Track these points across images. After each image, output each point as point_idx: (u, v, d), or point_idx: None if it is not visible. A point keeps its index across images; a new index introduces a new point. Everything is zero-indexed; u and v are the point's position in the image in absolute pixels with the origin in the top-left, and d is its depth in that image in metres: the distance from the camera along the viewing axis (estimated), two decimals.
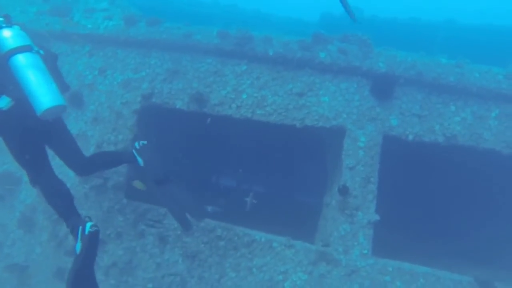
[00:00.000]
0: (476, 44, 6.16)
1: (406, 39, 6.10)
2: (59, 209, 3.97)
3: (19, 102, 3.62)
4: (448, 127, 4.93)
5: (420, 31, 6.61)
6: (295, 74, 5.15)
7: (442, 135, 4.92)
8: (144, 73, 5.48)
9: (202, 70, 5.32)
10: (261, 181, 8.43)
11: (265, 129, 5.38)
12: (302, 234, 5.37)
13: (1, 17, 3.89)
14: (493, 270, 5.25)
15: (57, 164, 4.35)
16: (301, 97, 5.10)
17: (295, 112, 5.07)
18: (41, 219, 5.33)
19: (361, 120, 5.01)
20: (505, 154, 4.82)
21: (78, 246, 3.56)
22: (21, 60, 3.62)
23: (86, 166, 4.43)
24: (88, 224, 3.60)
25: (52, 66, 3.90)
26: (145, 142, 4.55)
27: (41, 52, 3.85)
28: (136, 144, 4.54)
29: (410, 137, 4.96)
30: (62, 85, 3.94)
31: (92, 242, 3.56)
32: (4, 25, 3.78)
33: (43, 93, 3.57)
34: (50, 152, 4.19)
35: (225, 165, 8.11)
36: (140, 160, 4.48)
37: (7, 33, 3.70)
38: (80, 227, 3.61)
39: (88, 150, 5.43)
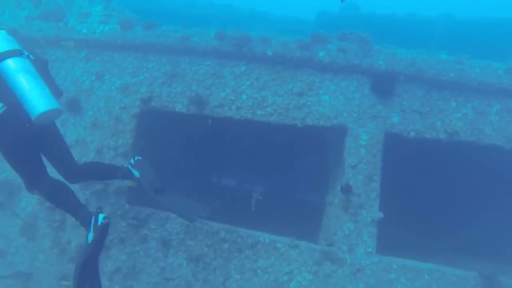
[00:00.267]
0: (475, 38, 6.15)
1: (403, 35, 6.10)
2: (64, 206, 4.02)
3: (11, 107, 3.55)
4: (449, 123, 4.92)
5: (418, 26, 6.60)
6: (295, 74, 5.13)
7: (443, 131, 4.92)
8: (142, 77, 5.43)
9: (200, 73, 5.28)
10: (262, 181, 8.42)
11: (265, 128, 5.36)
12: (304, 232, 5.37)
13: None
14: (496, 264, 5.27)
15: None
16: (301, 97, 5.08)
17: (295, 111, 5.05)
18: (43, 227, 5.29)
19: (362, 118, 4.99)
20: (507, 149, 4.82)
21: (90, 236, 3.67)
22: (12, 64, 3.56)
23: (78, 173, 4.38)
24: (101, 216, 3.73)
25: (43, 71, 3.85)
26: (140, 158, 4.59)
27: (31, 57, 3.80)
28: (132, 160, 4.58)
29: (412, 134, 4.95)
30: (55, 90, 3.89)
31: (104, 233, 3.70)
32: None
33: (36, 97, 3.51)
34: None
35: (226, 165, 8.10)
36: (136, 172, 4.46)
37: None
38: (93, 218, 3.73)
39: (88, 156, 5.41)
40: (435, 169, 6.01)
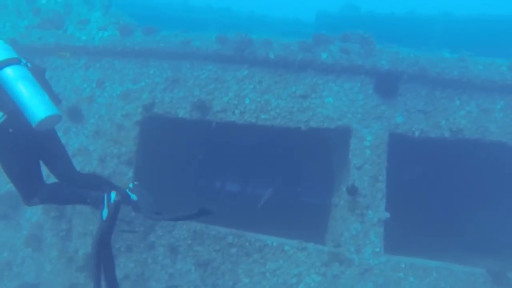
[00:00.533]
0: (475, 35, 6.14)
1: (403, 34, 6.09)
2: (71, 199, 4.14)
3: (11, 115, 3.56)
4: (453, 122, 4.93)
5: (417, 25, 6.58)
6: (298, 76, 5.11)
7: (448, 129, 4.92)
8: (144, 83, 5.40)
9: (202, 77, 5.26)
10: (265, 184, 8.42)
11: (267, 132, 5.35)
12: (310, 235, 5.39)
13: None
14: (504, 260, 5.30)
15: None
16: (305, 99, 5.07)
17: (299, 114, 5.04)
18: (49, 236, 5.27)
19: (366, 119, 4.99)
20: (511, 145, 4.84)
21: (105, 213, 3.84)
22: (10, 73, 3.57)
23: (77, 181, 4.35)
24: (113, 193, 3.92)
25: (41, 79, 3.84)
26: (137, 182, 4.60)
27: (29, 65, 3.81)
28: (131, 184, 4.61)
29: (416, 134, 4.96)
30: (54, 98, 3.87)
31: (117, 210, 3.88)
32: None
33: (36, 104, 3.52)
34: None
35: (229, 170, 8.09)
36: (133, 196, 4.46)
37: None
38: (106, 196, 3.91)
39: (91, 164, 5.39)
40: (440, 167, 6.02)
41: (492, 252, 5.47)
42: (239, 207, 7.44)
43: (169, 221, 4.72)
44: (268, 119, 5.07)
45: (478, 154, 5.25)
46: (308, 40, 5.06)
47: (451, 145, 4.98)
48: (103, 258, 3.81)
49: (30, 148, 3.85)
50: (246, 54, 5.10)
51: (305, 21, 7.12)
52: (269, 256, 4.96)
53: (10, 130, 3.61)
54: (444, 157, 5.63)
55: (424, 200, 6.35)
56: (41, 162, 4.15)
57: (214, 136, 5.82)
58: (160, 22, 5.75)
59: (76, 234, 5.26)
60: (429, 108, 4.98)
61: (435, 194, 6.43)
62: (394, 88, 4.96)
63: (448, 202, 6.41)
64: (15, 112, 3.53)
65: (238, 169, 8.08)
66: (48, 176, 4.42)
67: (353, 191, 4.85)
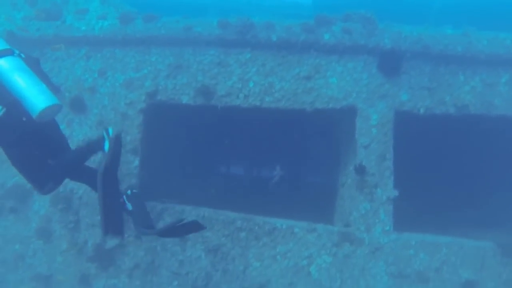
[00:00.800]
0: (474, 9, 6.07)
1: (401, 11, 5.99)
2: (82, 159, 4.18)
3: (11, 107, 3.50)
4: (458, 97, 4.94)
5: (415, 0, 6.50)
6: (301, 58, 5.08)
7: (453, 105, 4.93)
8: (146, 71, 5.36)
9: (205, 63, 5.22)
10: (270, 166, 8.44)
11: (271, 114, 5.34)
12: (316, 214, 5.42)
13: None
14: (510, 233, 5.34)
15: None
16: (309, 81, 5.05)
17: (304, 96, 5.03)
18: (58, 228, 5.26)
19: (371, 98, 4.98)
20: None
21: (106, 145, 3.97)
22: (4, 64, 3.52)
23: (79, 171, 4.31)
24: (110, 129, 4.10)
25: (36, 69, 3.79)
26: (136, 191, 4.52)
27: (22, 55, 3.75)
28: (129, 191, 4.45)
29: (422, 111, 4.96)
30: (52, 87, 3.82)
31: (118, 142, 3.99)
32: None
33: (35, 95, 3.47)
34: None
35: (233, 153, 8.10)
36: (129, 205, 4.32)
37: None
38: (104, 132, 4.07)
39: (97, 154, 5.35)
40: (446, 142, 6.02)
41: (500, 225, 5.51)
42: (245, 190, 7.47)
43: (160, 236, 4.53)
44: (273, 101, 5.05)
45: (484, 128, 5.25)
46: (310, 22, 5.04)
47: (456, 121, 4.99)
48: (109, 195, 3.88)
49: (33, 139, 3.80)
50: (248, 38, 5.07)
51: (303, 3, 7.05)
52: (279, 239, 4.97)
53: (11, 123, 3.56)
54: (450, 133, 5.64)
55: (431, 177, 6.36)
56: None
57: (218, 120, 5.80)
58: (158, 8, 5.68)
59: (84, 225, 5.26)
60: (433, 84, 4.98)
61: (442, 171, 6.46)
62: (398, 66, 4.96)
63: (454, 178, 6.43)
64: (14, 104, 3.49)
65: (243, 152, 8.08)
66: None
67: (361, 170, 4.86)
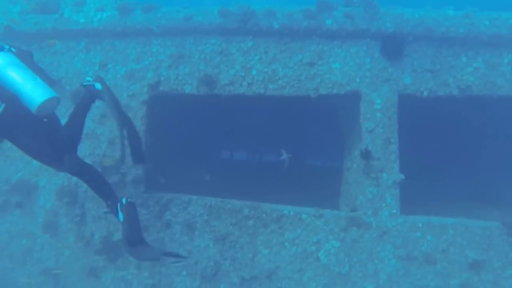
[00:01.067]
0: None
1: None
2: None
3: (10, 103, 3.48)
4: (461, 79, 4.94)
5: None
6: (303, 44, 5.07)
7: (456, 87, 4.94)
8: (147, 62, 5.33)
9: (207, 52, 5.20)
10: (271, 150, 8.46)
11: (276, 101, 5.33)
12: (318, 197, 5.44)
13: None
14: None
15: None
16: (312, 67, 5.04)
17: (308, 82, 5.02)
18: (64, 222, 5.25)
19: (375, 83, 4.98)
20: None
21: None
22: None
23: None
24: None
25: (29, 62, 3.76)
26: (133, 201, 4.32)
27: (13, 49, 3.71)
28: (124, 199, 4.24)
29: (425, 93, 4.96)
30: (47, 80, 3.78)
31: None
32: None
33: (31, 89, 3.45)
34: None
35: (236, 139, 8.11)
36: (120, 216, 4.16)
37: None
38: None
39: (101, 148, 5.35)
40: (449, 121, 6.03)
41: (505, 204, 5.56)
42: (248, 175, 7.48)
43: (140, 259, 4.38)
44: (277, 89, 5.04)
45: (488, 109, 5.27)
46: (311, 7, 5.01)
47: (460, 102, 5.00)
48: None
49: (37, 129, 3.74)
50: (250, 26, 5.05)
51: None
52: (287, 225, 4.98)
53: (12, 118, 3.54)
54: (453, 114, 5.65)
55: (435, 157, 6.40)
56: None
57: (221, 107, 5.77)
58: None
59: (90, 218, 5.25)
60: (436, 67, 4.98)
61: (446, 151, 6.49)
62: (400, 49, 4.95)
63: (459, 157, 6.47)
64: (13, 100, 3.46)
65: (245, 137, 8.09)
66: None
67: (367, 155, 4.87)
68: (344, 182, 5.49)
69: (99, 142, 5.37)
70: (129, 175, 5.24)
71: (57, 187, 5.32)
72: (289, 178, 6.84)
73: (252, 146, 8.58)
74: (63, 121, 4.12)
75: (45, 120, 3.74)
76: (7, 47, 3.67)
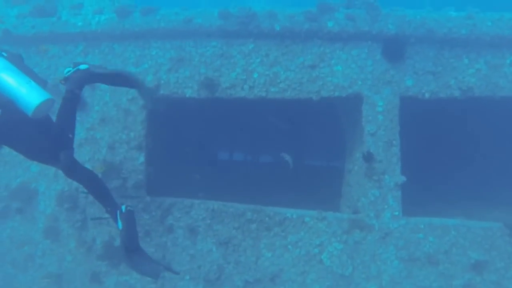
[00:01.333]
0: None
1: None
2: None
3: (5, 108, 3.46)
4: (463, 80, 4.94)
5: None
6: (305, 47, 5.03)
7: (458, 89, 4.93)
8: (147, 65, 5.27)
9: (207, 55, 5.15)
10: (269, 150, 8.46)
11: (277, 104, 5.30)
12: (317, 196, 5.45)
13: None
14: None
15: None
16: (314, 69, 5.01)
17: (310, 85, 4.99)
18: (66, 227, 5.23)
19: (376, 85, 4.97)
20: None
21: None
22: None
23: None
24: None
25: (21, 66, 3.74)
26: (132, 209, 4.27)
27: (4, 54, 3.70)
28: (123, 207, 4.18)
29: (427, 95, 4.96)
30: (40, 82, 3.77)
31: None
32: None
33: (26, 93, 3.44)
34: None
35: (234, 140, 8.11)
36: (120, 224, 4.10)
37: None
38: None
39: (101, 152, 5.31)
40: (450, 121, 6.04)
41: (505, 204, 5.59)
42: (246, 176, 7.47)
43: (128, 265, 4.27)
44: (278, 92, 5.01)
45: (490, 110, 5.27)
46: (313, 9, 4.97)
47: (462, 104, 5.00)
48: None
49: (33, 133, 3.72)
50: (251, 28, 4.99)
51: None
52: (290, 228, 4.99)
53: (9, 123, 3.53)
54: (455, 116, 5.66)
55: (439, 158, 6.43)
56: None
57: (222, 111, 5.74)
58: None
59: (91, 223, 5.22)
60: (438, 68, 4.97)
61: (447, 153, 6.52)
62: (402, 51, 4.94)
63: (462, 158, 6.50)
64: (8, 104, 3.44)
65: (243, 138, 8.09)
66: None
67: (369, 157, 4.87)
68: (346, 184, 5.50)
69: (98, 147, 5.32)
70: (130, 180, 5.21)
71: (57, 192, 5.29)
72: (287, 178, 6.86)
73: (249, 146, 8.56)
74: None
75: (39, 121, 3.68)
76: None
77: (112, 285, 5.13)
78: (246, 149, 8.64)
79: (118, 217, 4.12)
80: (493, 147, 6.31)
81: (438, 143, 6.47)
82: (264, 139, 8.20)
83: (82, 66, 3.96)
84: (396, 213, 4.89)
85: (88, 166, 4.68)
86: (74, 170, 3.96)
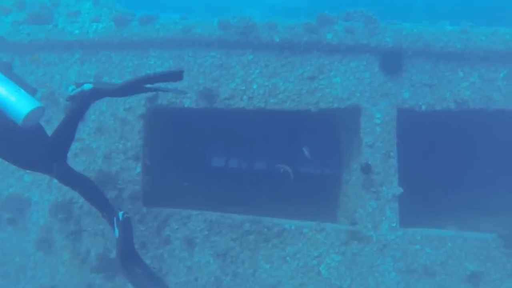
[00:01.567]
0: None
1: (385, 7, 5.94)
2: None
3: None
4: (458, 93, 5.03)
5: None
6: (304, 58, 5.07)
7: (453, 101, 5.03)
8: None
9: (206, 65, 5.14)
10: (263, 158, 8.46)
11: (276, 115, 5.32)
12: (314, 207, 5.47)
13: None
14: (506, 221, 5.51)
15: None
16: (312, 81, 5.05)
17: (308, 96, 5.03)
18: (59, 239, 5.11)
19: (374, 97, 5.03)
20: None
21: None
22: None
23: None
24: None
25: (9, 74, 3.68)
26: (127, 215, 4.13)
27: None
28: (120, 214, 4.06)
29: (423, 108, 5.04)
30: (29, 90, 3.69)
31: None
32: None
33: (16, 101, 3.38)
34: None
35: (228, 148, 8.10)
36: (116, 231, 4.01)
37: None
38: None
39: (96, 163, 5.22)
40: (446, 132, 6.14)
41: (499, 214, 5.68)
42: (242, 183, 7.45)
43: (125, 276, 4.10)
44: (277, 103, 5.03)
45: (483, 123, 5.38)
46: (312, 21, 5.02)
47: (457, 116, 5.09)
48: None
49: (22, 142, 3.67)
50: (250, 39, 5.02)
51: None
52: (288, 240, 4.97)
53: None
54: (451, 128, 5.75)
55: (432, 170, 6.51)
56: None
57: (219, 121, 5.73)
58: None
59: (86, 234, 5.12)
60: (434, 81, 5.06)
61: (443, 165, 6.61)
62: (399, 64, 5.02)
63: (457, 170, 6.59)
64: None
65: (238, 146, 8.08)
66: None
67: (367, 169, 4.91)
68: (343, 194, 5.52)
69: (94, 157, 5.24)
70: (126, 191, 5.13)
71: (51, 203, 5.17)
72: (282, 187, 6.86)
73: (244, 154, 8.55)
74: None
75: (29, 129, 3.61)
76: None
77: None
78: (241, 155, 8.61)
79: (115, 225, 4.03)
80: (487, 157, 6.42)
81: (434, 154, 6.56)
82: (259, 146, 8.19)
83: (87, 86, 3.76)
84: (394, 224, 4.92)
85: None
86: (67, 176, 3.90)
